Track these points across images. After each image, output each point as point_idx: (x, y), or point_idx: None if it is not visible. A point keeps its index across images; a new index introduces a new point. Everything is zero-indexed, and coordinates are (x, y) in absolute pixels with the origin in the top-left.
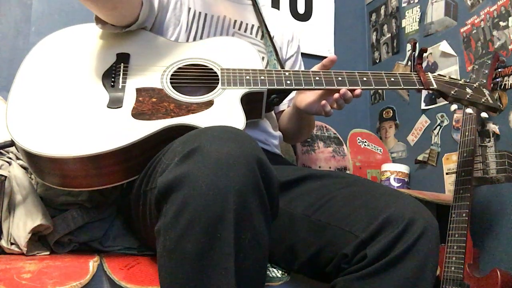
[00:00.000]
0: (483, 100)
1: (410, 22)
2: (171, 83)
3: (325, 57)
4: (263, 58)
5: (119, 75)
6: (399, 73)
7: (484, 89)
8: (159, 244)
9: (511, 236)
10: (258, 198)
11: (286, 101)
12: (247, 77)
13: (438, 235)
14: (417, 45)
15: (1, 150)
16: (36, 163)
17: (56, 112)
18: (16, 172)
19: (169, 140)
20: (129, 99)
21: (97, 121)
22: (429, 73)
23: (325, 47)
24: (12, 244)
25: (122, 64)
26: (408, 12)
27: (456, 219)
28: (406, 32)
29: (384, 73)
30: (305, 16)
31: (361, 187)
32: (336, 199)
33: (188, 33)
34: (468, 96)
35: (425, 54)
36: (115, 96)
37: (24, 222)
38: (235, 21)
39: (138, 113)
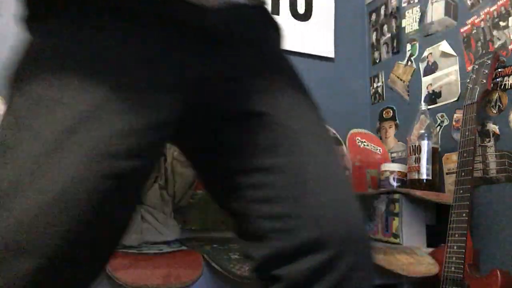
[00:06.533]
0: None
1: (410, 22)
2: None
3: (325, 57)
4: None
5: None
6: None
7: None
8: None
9: (511, 236)
10: None
11: None
12: None
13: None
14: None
15: None
16: None
17: None
18: None
19: None
20: None
21: None
22: None
23: (325, 47)
24: None
25: None
26: (408, 12)
27: (456, 219)
28: (406, 32)
29: None
30: (305, 16)
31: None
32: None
33: None
34: None
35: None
36: None
37: None
38: None
39: None
